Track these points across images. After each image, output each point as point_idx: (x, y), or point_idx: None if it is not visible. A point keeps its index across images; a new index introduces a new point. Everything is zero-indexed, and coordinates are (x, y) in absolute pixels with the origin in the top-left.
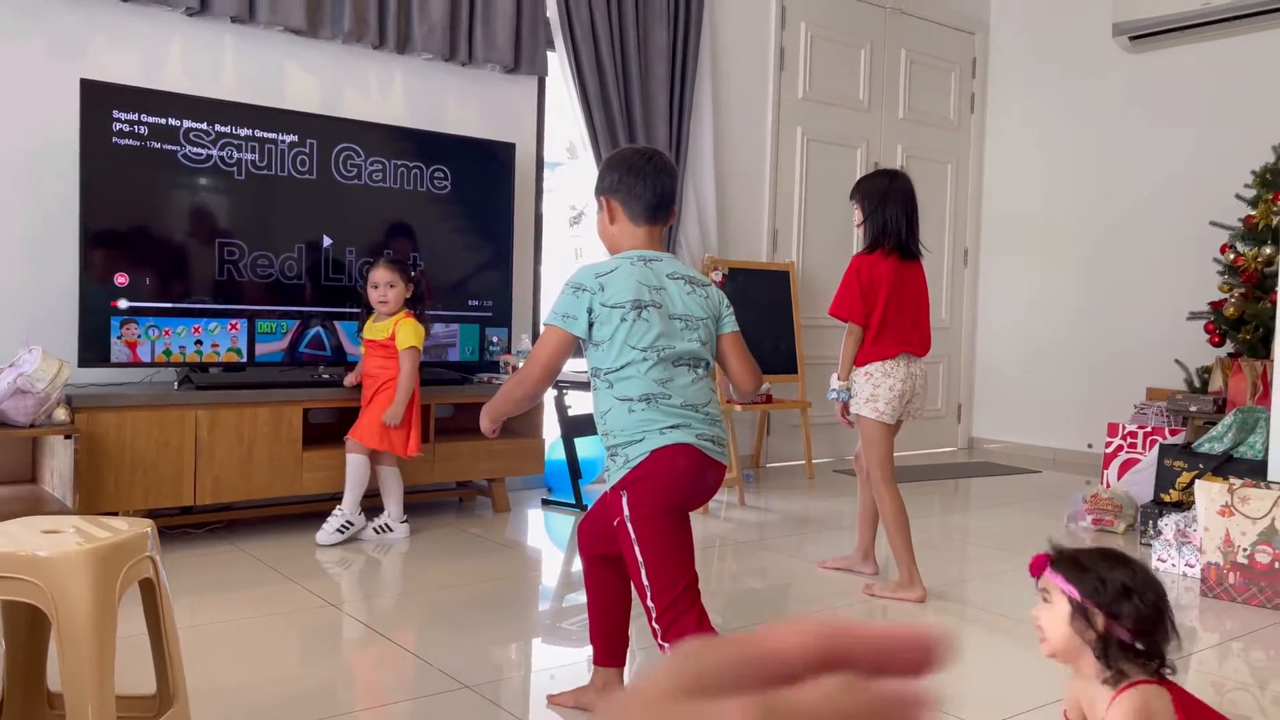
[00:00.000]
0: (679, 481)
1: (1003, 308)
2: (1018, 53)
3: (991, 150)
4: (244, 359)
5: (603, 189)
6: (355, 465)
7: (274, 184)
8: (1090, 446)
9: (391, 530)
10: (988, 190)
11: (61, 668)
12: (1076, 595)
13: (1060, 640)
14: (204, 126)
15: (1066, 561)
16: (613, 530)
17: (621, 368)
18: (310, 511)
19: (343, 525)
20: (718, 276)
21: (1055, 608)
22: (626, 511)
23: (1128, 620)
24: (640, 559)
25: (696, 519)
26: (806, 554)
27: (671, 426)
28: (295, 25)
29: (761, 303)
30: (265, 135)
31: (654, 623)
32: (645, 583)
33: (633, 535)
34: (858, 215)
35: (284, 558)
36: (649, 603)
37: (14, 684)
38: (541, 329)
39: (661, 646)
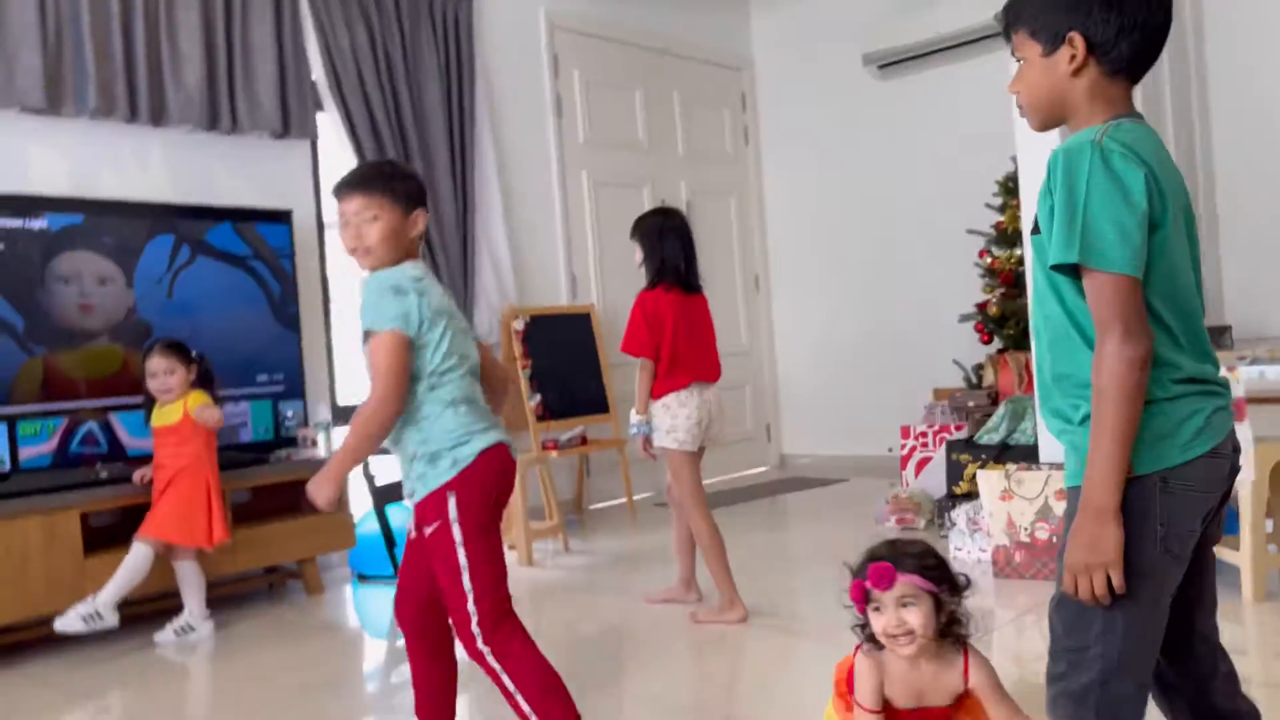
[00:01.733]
0: (500, 482)
1: (797, 328)
2: (782, 86)
3: (769, 180)
4: (7, 466)
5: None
6: (138, 555)
7: (29, 273)
8: (890, 450)
9: (194, 630)
10: (770, 218)
11: None
12: (934, 588)
13: (931, 633)
14: None
15: (909, 561)
16: (427, 570)
17: (446, 370)
18: (107, 625)
19: (89, 615)
20: (519, 325)
21: (921, 606)
22: (454, 513)
23: (957, 592)
24: (465, 562)
25: (524, 573)
26: (635, 591)
27: (487, 428)
28: (34, 104)
29: (566, 346)
30: (11, 224)
31: (474, 628)
32: (468, 587)
33: (458, 538)
34: (638, 255)
35: (75, 678)
36: (470, 608)
37: None
38: (370, 339)
39: (480, 653)
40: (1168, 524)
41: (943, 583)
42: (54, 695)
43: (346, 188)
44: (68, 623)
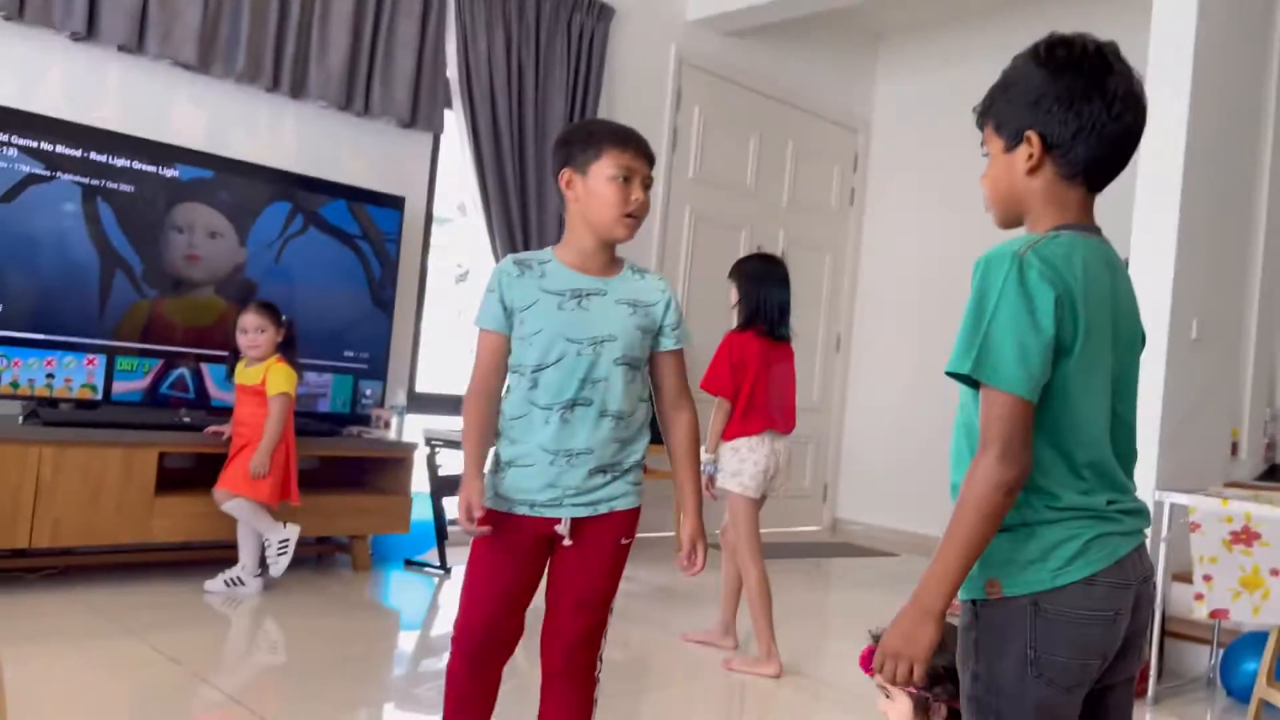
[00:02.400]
0: None
1: (871, 393)
2: (896, 152)
3: (867, 242)
4: (99, 396)
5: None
6: (240, 509)
7: (150, 219)
8: None
9: (244, 584)
10: (862, 279)
11: None
12: (915, 691)
13: None
14: (79, 154)
15: None
16: (577, 584)
17: None
18: (160, 561)
19: (231, 580)
20: None
21: (898, 703)
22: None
23: (953, 698)
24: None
25: None
26: (670, 626)
27: None
28: (186, 60)
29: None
30: (144, 168)
31: (603, 640)
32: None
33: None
34: (733, 295)
35: (126, 609)
36: (607, 622)
37: None
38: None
39: (597, 662)
40: (1038, 648)
41: (936, 685)
42: (102, 622)
43: (646, 153)
44: (214, 584)
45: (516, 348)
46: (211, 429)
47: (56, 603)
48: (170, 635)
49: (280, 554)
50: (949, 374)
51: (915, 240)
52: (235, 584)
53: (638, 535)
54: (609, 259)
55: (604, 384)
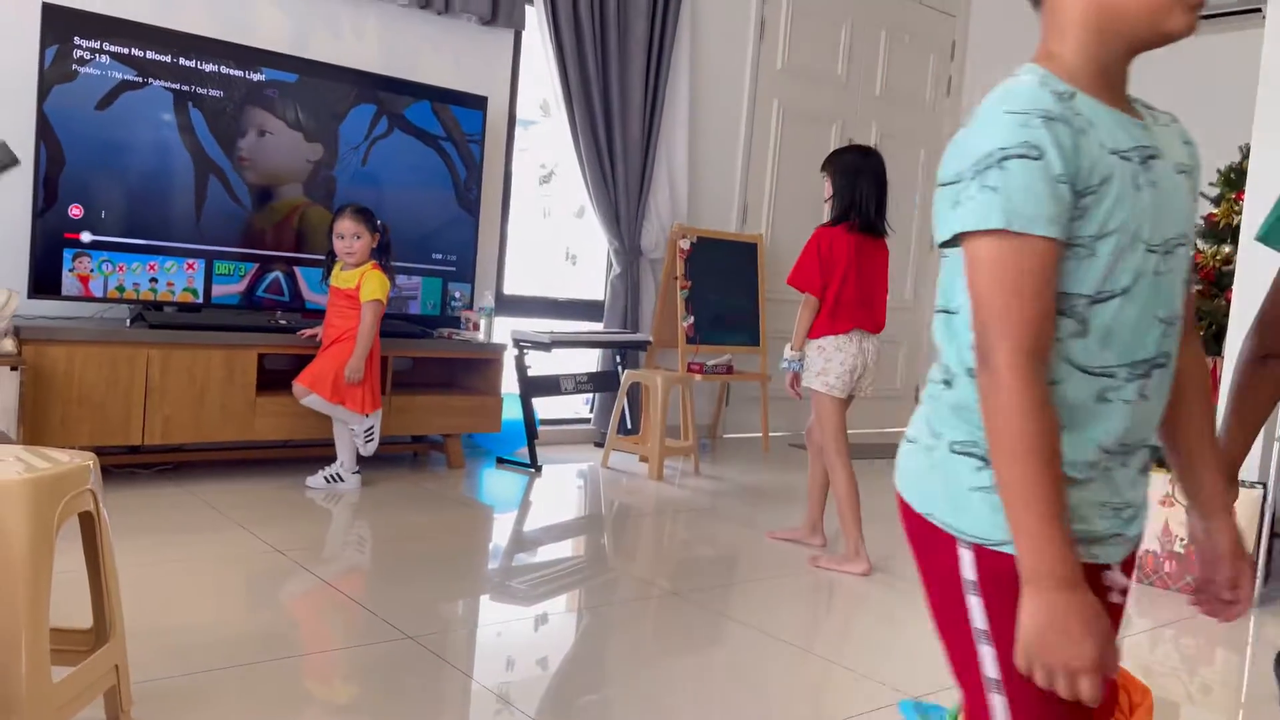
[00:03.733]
0: None
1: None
2: (997, 37)
3: None
4: (200, 300)
5: None
6: (314, 403)
7: (239, 123)
8: None
9: (342, 480)
10: None
11: None
12: None
13: None
14: (168, 59)
15: None
16: None
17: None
18: (262, 458)
19: (331, 475)
20: (685, 245)
21: None
22: None
23: None
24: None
25: (652, 486)
26: (757, 524)
27: None
28: None
29: (728, 273)
30: (232, 72)
31: None
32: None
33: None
34: (827, 188)
35: (233, 503)
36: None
37: None
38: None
39: None
40: None
41: None
42: (212, 515)
43: None
44: (314, 480)
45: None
46: (304, 332)
47: (168, 497)
48: (275, 528)
49: (368, 440)
50: None
51: None
52: (335, 480)
53: (725, 435)
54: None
55: (1178, 325)
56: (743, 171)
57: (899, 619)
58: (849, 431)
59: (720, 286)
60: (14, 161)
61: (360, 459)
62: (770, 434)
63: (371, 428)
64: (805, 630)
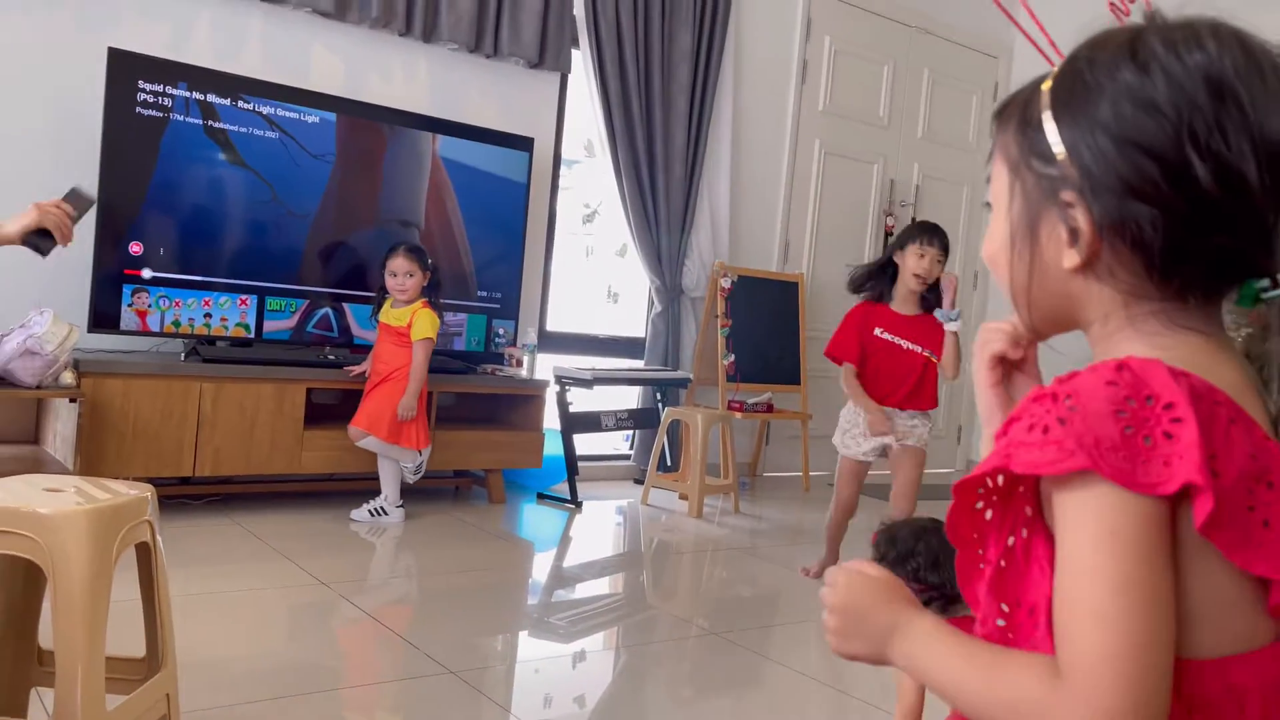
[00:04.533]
0: None
1: None
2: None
3: None
4: (252, 335)
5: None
6: (370, 444)
7: (293, 164)
8: None
9: (386, 514)
10: None
11: (55, 625)
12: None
13: None
14: (227, 102)
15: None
16: None
17: None
18: (309, 490)
19: (375, 509)
20: (726, 283)
21: None
22: None
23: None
24: None
25: (691, 524)
26: (796, 564)
27: None
28: (324, 8)
29: (768, 312)
30: (287, 115)
31: None
32: None
33: None
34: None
35: (280, 534)
36: None
37: (5, 639)
38: None
39: None
40: None
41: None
42: (259, 545)
43: None
44: (359, 513)
45: None
46: (351, 369)
47: (218, 527)
48: (319, 559)
49: (416, 474)
50: None
51: None
52: (379, 514)
53: (764, 474)
54: None
55: None
56: (784, 211)
57: None
58: (882, 473)
59: (761, 325)
60: (92, 203)
61: (403, 493)
62: (810, 473)
63: (421, 463)
64: (845, 673)
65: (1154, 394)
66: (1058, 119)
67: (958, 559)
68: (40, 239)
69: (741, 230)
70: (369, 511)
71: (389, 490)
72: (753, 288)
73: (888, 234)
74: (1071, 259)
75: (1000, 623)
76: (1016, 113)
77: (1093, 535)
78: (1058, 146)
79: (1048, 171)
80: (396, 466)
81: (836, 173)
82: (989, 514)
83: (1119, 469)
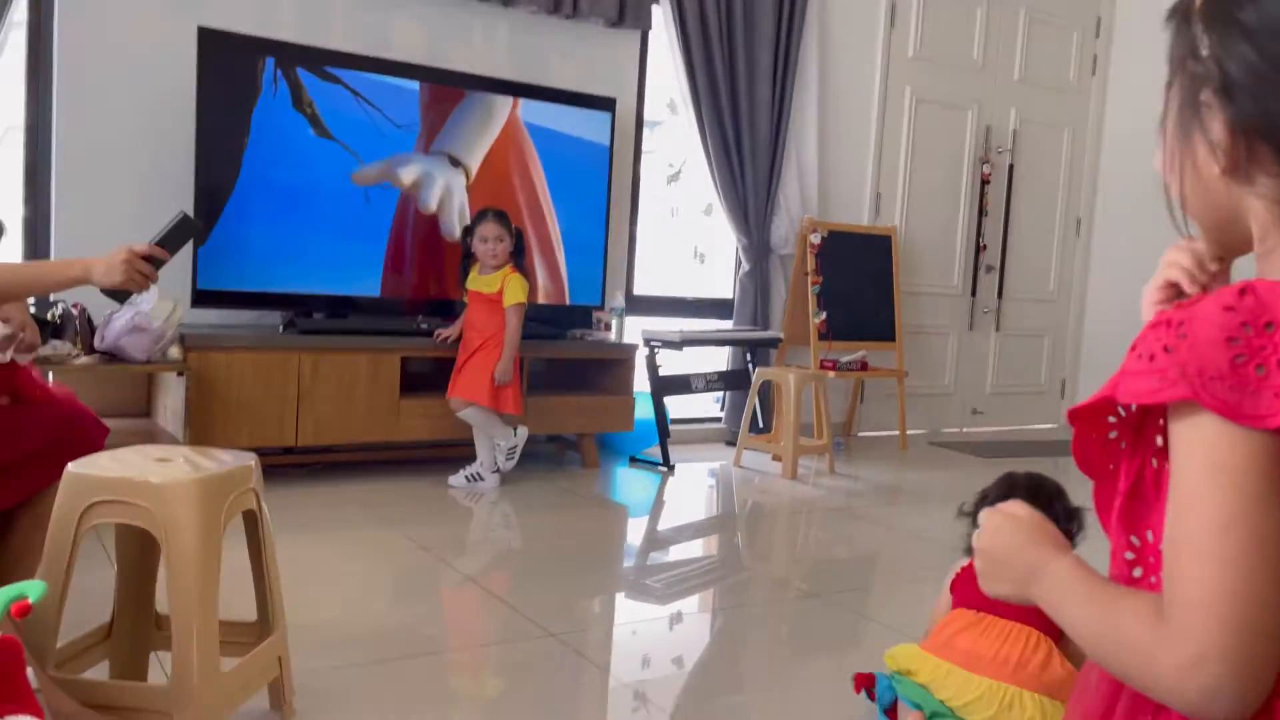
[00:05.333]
0: None
1: (1115, 280)
2: (1148, 9)
3: (1112, 115)
4: (345, 306)
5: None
6: (471, 416)
7: (378, 134)
8: None
9: (482, 480)
10: (1106, 157)
11: (170, 590)
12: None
13: None
14: (313, 76)
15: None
16: None
17: None
18: (407, 458)
19: (471, 475)
20: (815, 239)
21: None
22: None
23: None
24: None
25: (786, 486)
26: (895, 525)
27: None
28: None
29: (861, 268)
30: (371, 85)
31: None
32: None
33: None
34: None
35: (380, 501)
36: None
37: (125, 604)
38: None
39: None
40: None
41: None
42: (360, 512)
43: None
44: (456, 479)
45: None
46: (439, 333)
47: (320, 495)
48: (419, 525)
49: (509, 459)
50: None
51: None
52: (475, 479)
53: (859, 433)
54: None
55: None
56: (875, 162)
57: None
58: (986, 430)
59: (853, 281)
60: (198, 229)
61: (492, 463)
62: (908, 431)
63: (515, 446)
64: None
65: (1275, 320)
66: (1206, 17)
67: (1095, 490)
68: (118, 293)
69: (831, 184)
70: (465, 477)
71: (484, 456)
72: (843, 243)
73: (984, 183)
74: (1216, 163)
75: (1129, 555)
76: (1180, 11)
77: (1199, 469)
78: (1204, 45)
79: (1195, 69)
80: (484, 422)
81: (929, 121)
82: (1123, 444)
83: (1223, 400)
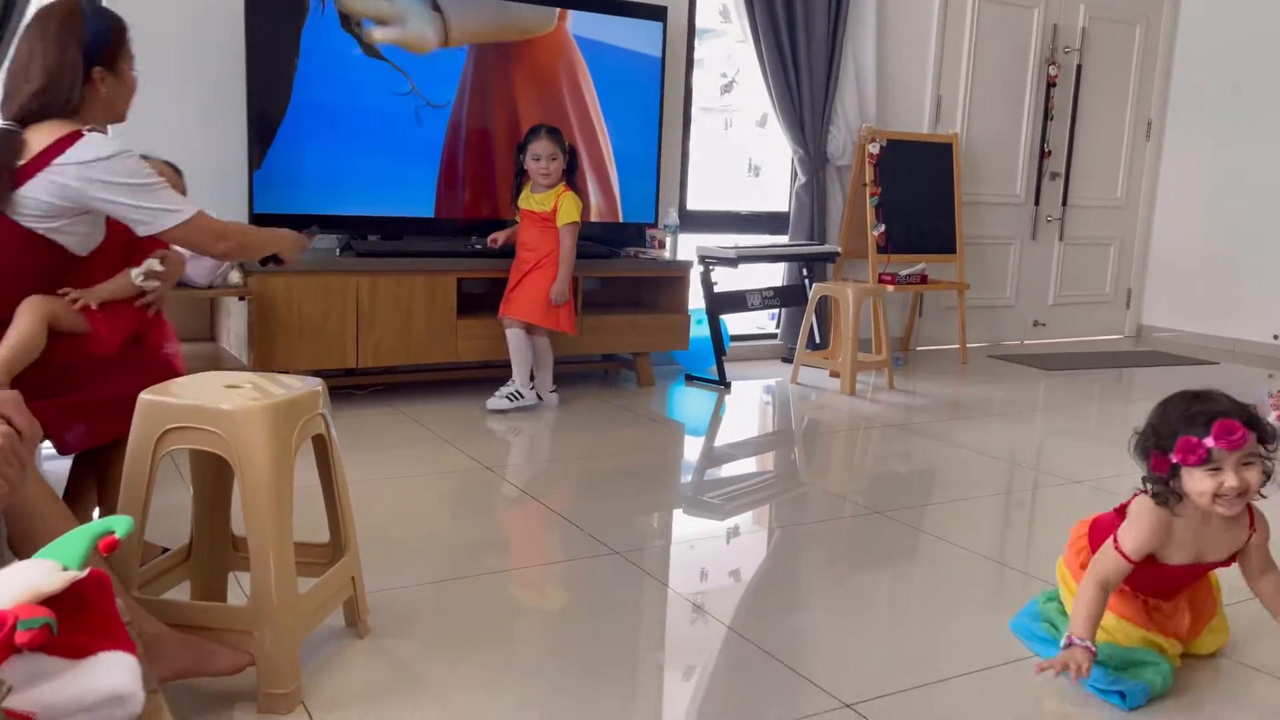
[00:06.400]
0: None
1: (1186, 186)
2: None
3: (1189, 8)
4: (399, 228)
5: None
6: (518, 340)
7: (424, 53)
8: (1277, 338)
9: (541, 400)
10: (1179, 55)
11: (245, 514)
12: (1266, 450)
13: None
14: None
15: (1246, 419)
16: None
17: None
18: (465, 378)
19: (512, 394)
20: (874, 149)
21: (1257, 465)
22: None
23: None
24: None
25: (844, 402)
26: (955, 439)
27: None
28: None
29: (921, 177)
30: (416, 2)
31: None
32: None
33: None
34: None
35: (441, 421)
36: None
37: (202, 528)
38: None
39: None
40: None
41: (1268, 440)
42: (421, 431)
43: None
44: (496, 403)
45: None
46: (493, 237)
47: (382, 415)
48: (480, 444)
49: (512, 401)
50: None
51: (1247, 5)
52: (515, 398)
53: (918, 348)
54: None
55: None
56: (935, 67)
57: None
58: (1048, 342)
59: (913, 192)
60: (279, 261)
61: (555, 378)
62: (968, 345)
63: (514, 392)
64: (1005, 546)
65: None
66: None
67: None
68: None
69: (889, 91)
70: (506, 397)
71: (543, 376)
72: (903, 152)
73: (1050, 85)
74: None
75: None
76: None
77: None
78: None
79: None
80: (549, 353)
81: (992, 20)
82: None
83: None
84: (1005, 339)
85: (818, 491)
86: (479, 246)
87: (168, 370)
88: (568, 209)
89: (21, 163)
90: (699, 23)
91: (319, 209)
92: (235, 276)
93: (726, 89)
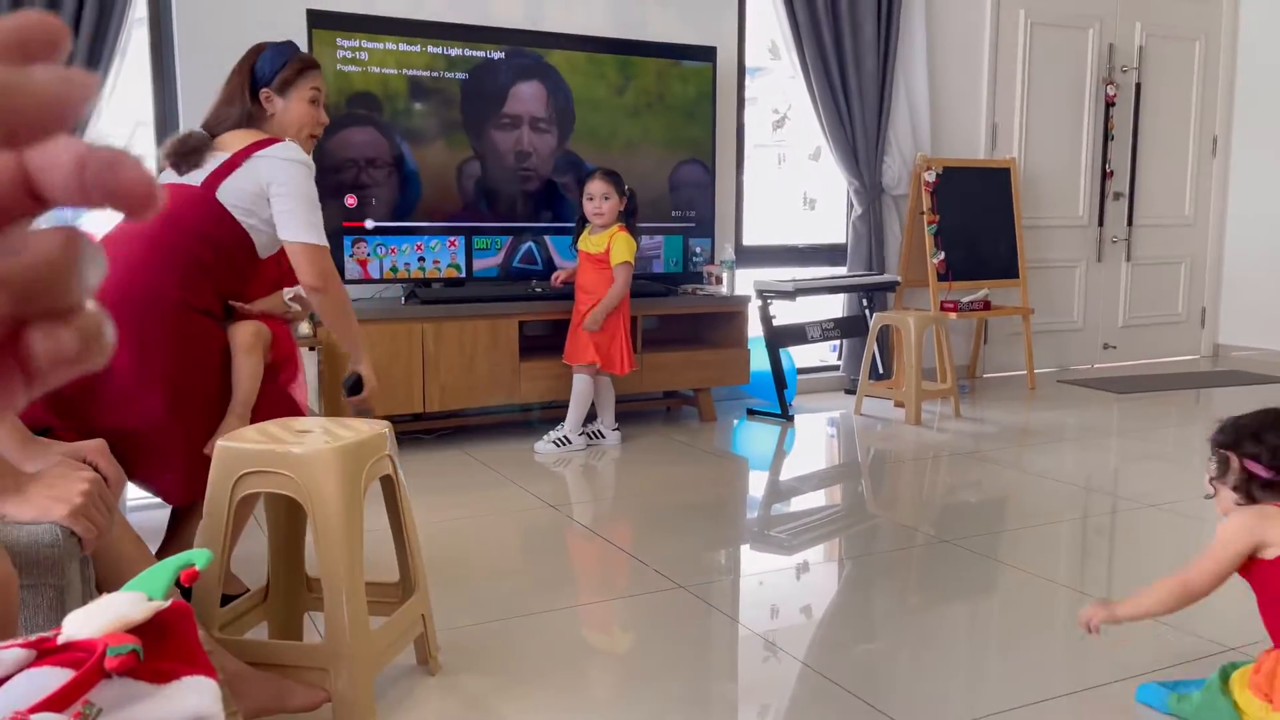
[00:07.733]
0: None
1: (1256, 200)
2: None
3: (1248, 21)
4: (463, 274)
5: None
6: (581, 385)
7: (483, 101)
8: None
9: (604, 437)
10: (1242, 70)
11: (318, 554)
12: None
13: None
14: (417, 49)
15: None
16: None
17: None
18: (529, 419)
19: (559, 439)
20: (930, 177)
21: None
22: None
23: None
24: None
25: (910, 432)
26: (1025, 466)
27: None
28: None
29: (979, 203)
30: (474, 54)
31: None
32: None
33: None
34: None
35: (506, 462)
36: None
37: (278, 570)
38: None
39: None
40: None
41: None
42: (488, 473)
43: None
44: (543, 447)
45: None
46: (557, 275)
47: (450, 458)
48: (546, 484)
49: (560, 445)
50: None
51: None
52: (597, 437)
53: (984, 374)
54: None
55: None
56: (989, 92)
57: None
58: (1124, 364)
59: (971, 218)
60: (361, 394)
61: (618, 416)
62: (1035, 370)
63: (562, 438)
64: (1085, 573)
65: None
66: None
67: None
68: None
69: (943, 119)
70: (553, 442)
71: (605, 415)
72: (960, 179)
73: (1108, 105)
74: None
75: None
76: None
77: None
78: None
79: None
80: (610, 391)
81: (1045, 43)
82: None
83: None
84: (1074, 363)
85: (887, 523)
86: (539, 290)
87: (293, 410)
88: (619, 249)
89: (226, 156)
90: (749, 61)
91: (386, 260)
92: (305, 328)
93: (778, 124)
